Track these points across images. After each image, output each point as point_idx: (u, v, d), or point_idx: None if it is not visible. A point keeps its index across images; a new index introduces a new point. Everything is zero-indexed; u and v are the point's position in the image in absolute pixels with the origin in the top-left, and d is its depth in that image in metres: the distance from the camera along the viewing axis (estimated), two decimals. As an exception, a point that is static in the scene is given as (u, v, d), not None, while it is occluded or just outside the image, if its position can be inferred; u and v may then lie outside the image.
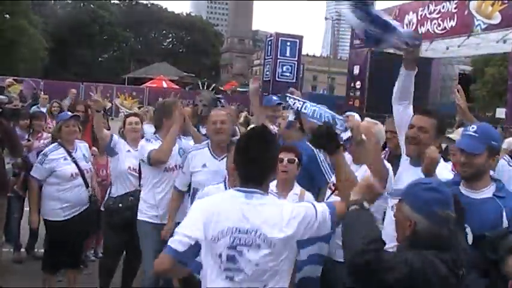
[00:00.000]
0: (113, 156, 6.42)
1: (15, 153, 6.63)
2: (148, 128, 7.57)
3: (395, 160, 5.55)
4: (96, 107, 6.33)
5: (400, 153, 5.60)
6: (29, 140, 7.58)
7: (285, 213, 2.97)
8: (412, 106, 4.48)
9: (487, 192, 3.62)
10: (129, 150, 6.38)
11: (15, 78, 8.63)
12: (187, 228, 3.02)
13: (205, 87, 8.14)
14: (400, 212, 2.85)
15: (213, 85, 8.67)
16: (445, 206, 2.74)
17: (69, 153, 6.36)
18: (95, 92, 6.41)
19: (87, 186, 6.42)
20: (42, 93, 10.03)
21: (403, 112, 4.45)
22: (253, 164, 3.08)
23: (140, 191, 6.16)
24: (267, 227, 2.93)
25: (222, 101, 8.41)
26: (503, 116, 21.83)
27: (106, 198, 6.55)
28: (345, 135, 4.59)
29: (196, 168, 5.46)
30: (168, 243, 3.02)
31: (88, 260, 7.82)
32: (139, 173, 6.28)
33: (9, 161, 6.74)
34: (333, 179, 4.93)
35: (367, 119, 5.43)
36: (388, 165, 4.60)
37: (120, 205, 6.23)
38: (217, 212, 3.01)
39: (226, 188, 4.39)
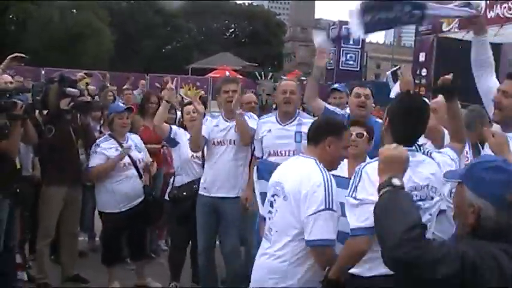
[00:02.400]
0: (175, 147, 6.47)
1: (89, 145, 6.79)
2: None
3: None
4: (168, 97, 6.36)
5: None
6: (101, 132, 7.75)
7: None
8: (494, 76, 4.36)
9: None
10: (189, 139, 6.41)
11: (86, 72, 8.73)
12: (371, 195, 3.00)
13: (263, 77, 8.18)
14: (460, 196, 2.51)
15: (271, 74, 8.70)
16: None
17: (120, 145, 6.46)
18: (170, 82, 6.49)
19: (140, 176, 6.50)
20: (109, 85, 10.21)
21: (482, 81, 4.41)
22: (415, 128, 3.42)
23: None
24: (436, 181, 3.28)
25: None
26: None
27: (169, 188, 6.59)
28: None
29: (263, 134, 5.70)
30: (359, 224, 3.11)
31: (160, 250, 7.95)
32: (203, 160, 6.35)
33: (82, 153, 6.89)
34: None
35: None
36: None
37: (185, 193, 6.31)
38: None
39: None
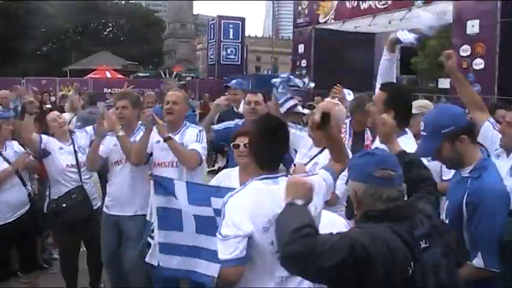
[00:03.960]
0: (47, 157, 6.21)
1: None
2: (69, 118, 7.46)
3: (357, 136, 5.62)
4: (29, 108, 6.09)
5: (360, 130, 5.71)
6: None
7: None
8: None
9: (466, 171, 3.50)
10: (61, 147, 6.20)
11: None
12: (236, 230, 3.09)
13: (167, 76, 8.10)
14: (349, 188, 2.76)
15: (175, 72, 8.64)
16: (381, 165, 2.61)
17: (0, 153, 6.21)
18: (27, 94, 6.22)
19: (24, 184, 6.26)
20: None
21: None
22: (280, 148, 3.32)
23: (81, 186, 6.12)
24: None
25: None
26: (447, 86, 22.17)
27: (47, 201, 6.32)
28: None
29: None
30: (226, 256, 3.08)
31: (52, 259, 7.64)
32: (79, 168, 6.19)
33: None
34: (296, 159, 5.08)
35: (327, 99, 5.44)
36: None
37: (65, 205, 6.06)
38: (255, 203, 3.14)
39: None
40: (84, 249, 6.54)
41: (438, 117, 3.53)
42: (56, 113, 6.39)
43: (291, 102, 5.77)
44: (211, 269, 4.26)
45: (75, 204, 6.04)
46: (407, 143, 3.88)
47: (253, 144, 3.35)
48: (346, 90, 7.05)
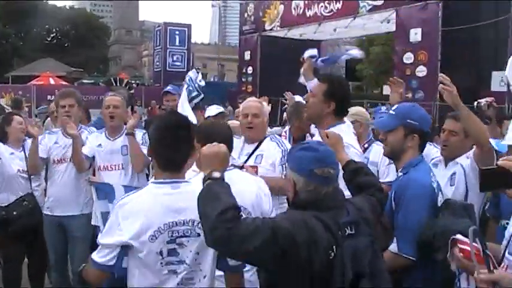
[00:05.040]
0: None
1: None
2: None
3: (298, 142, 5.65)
4: None
5: (300, 136, 5.77)
6: None
7: None
8: None
9: (400, 168, 3.68)
10: (12, 153, 6.08)
11: None
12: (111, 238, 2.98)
13: (118, 84, 8.01)
14: (287, 177, 2.93)
15: (126, 80, 8.58)
16: (323, 164, 2.75)
17: None
18: None
19: None
20: None
21: None
22: (179, 150, 3.08)
23: (32, 193, 6.03)
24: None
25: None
26: (391, 93, 22.48)
27: None
28: None
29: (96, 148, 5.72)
30: (95, 258, 3.02)
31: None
32: (29, 174, 6.08)
33: None
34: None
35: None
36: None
37: (15, 213, 5.91)
38: (145, 210, 2.97)
39: None
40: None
41: (412, 109, 3.71)
42: (19, 118, 6.30)
43: (199, 98, 6.02)
44: None
45: (26, 212, 5.92)
46: (346, 132, 4.00)
47: (153, 142, 3.16)
48: (297, 97, 7.15)
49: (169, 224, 2.96)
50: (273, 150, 4.69)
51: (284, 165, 4.49)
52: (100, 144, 5.69)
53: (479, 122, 4.03)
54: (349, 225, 2.74)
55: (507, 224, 3.55)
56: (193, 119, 5.62)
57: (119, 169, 5.61)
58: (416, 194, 3.42)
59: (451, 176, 4.28)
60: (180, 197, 3.01)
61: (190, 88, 6.20)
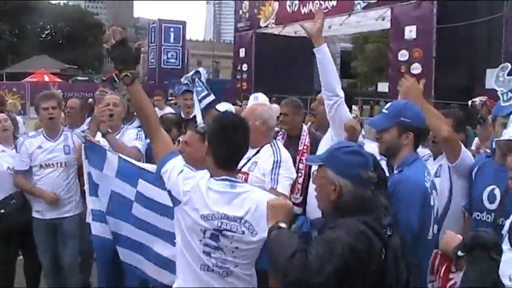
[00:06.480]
0: None
1: None
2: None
3: (291, 141, 5.62)
4: None
5: (295, 134, 5.74)
6: None
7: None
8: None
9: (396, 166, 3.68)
10: (3, 150, 6.01)
11: None
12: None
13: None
14: (322, 177, 2.88)
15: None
16: (367, 168, 2.81)
17: None
18: None
19: None
20: None
21: None
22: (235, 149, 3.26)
23: (21, 191, 5.94)
24: (253, 217, 3.11)
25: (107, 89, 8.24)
26: (386, 90, 22.57)
27: None
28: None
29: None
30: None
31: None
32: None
33: None
34: None
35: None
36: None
37: (3, 211, 5.87)
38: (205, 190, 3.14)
39: None
40: (21, 257, 6.37)
41: (405, 107, 3.69)
42: (2, 115, 6.18)
43: (210, 98, 5.93)
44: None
45: (14, 210, 5.85)
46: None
47: (210, 141, 3.27)
48: (255, 95, 7.12)
49: (222, 214, 3.08)
50: (268, 159, 4.59)
51: (274, 178, 4.45)
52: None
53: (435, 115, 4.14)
54: (388, 226, 2.85)
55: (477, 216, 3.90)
56: (201, 121, 5.60)
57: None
58: (408, 192, 3.40)
59: (438, 168, 4.40)
60: (236, 195, 3.14)
61: (199, 88, 6.12)
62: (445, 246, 2.96)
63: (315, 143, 5.42)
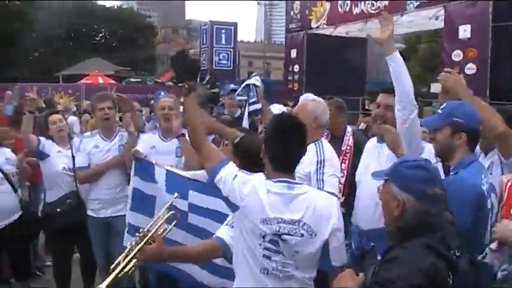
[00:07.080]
0: (44, 159, 6.15)
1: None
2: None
3: (334, 141, 5.61)
4: (30, 107, 6.06)
5: (338, 134, 5.70)
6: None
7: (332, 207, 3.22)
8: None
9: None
10: (59, 151, 6.16)
11: None
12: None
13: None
14: (387, 192, 2.80)
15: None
16: (433, 184, 2.69)
17: None
18: (30, 91, 6.16)
19: (15, 190, 6.20)
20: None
21: None
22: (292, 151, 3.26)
23: (76, 191, 6.06)
24: (311, 218, 3.12)
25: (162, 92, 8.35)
26: (439, 91, 22.15)
27: (42, 205, 6.31)
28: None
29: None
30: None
31: (44, 266, 7.60)
32: (75, 172, 6.14)
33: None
34: None
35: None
36: None
37: (59, 210, 6.01)
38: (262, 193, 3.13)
39: None
40: (78, 255, 6.49)
41: (458, 107, 3.67)
42: (58, 115, 6.35)
43: (257, 106, 5.96)
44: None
45: (69, 209, 6.03)
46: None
47: (267, 143, 3.29)
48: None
49: (279, 219, 3.08)
50: (311, 158, 4.50)
51: (320, 178, 4.41)
52: (154, 146, 5.73)
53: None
54: (457, 248, 2.74)
55: None
56: (246, 124, 5.65)
57: None
58: (460, 193, 3.31)
59: (489, 165, 4.33)
60: (294, 196, 3.15)
61: (251, 94, 6.19)
62: (502, 234, 2.92)
63: (358, 143, 5.41)
